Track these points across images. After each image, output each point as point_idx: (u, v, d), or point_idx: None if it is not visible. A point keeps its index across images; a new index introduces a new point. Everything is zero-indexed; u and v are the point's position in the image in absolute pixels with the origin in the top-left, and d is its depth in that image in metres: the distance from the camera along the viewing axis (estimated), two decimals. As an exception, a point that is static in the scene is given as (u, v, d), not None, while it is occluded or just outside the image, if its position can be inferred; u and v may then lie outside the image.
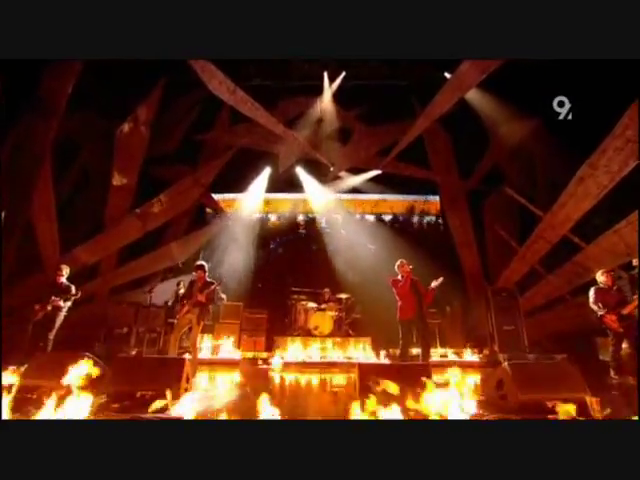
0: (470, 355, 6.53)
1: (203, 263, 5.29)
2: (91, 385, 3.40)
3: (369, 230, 10.50)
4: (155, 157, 9.25)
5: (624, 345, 4.63)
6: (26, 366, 3.59)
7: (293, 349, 7.25)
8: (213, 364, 6.39)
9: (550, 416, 2.89)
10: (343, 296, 8.34)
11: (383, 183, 10.78)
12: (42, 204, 7.07)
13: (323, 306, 8.07)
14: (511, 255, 8.42)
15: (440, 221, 11.10)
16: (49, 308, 4.96)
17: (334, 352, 7.27)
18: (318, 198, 10.85)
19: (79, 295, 5.22)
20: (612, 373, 4.63)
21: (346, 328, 7.99)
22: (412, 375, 3.13)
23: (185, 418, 2.20)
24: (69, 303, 5.15)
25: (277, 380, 5.71)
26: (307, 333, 7.71)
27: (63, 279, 5.27)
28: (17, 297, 7.25)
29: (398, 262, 5.04)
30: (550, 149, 7.90)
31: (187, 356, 4.89)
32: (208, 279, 5.16)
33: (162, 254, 9.35)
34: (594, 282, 6.84)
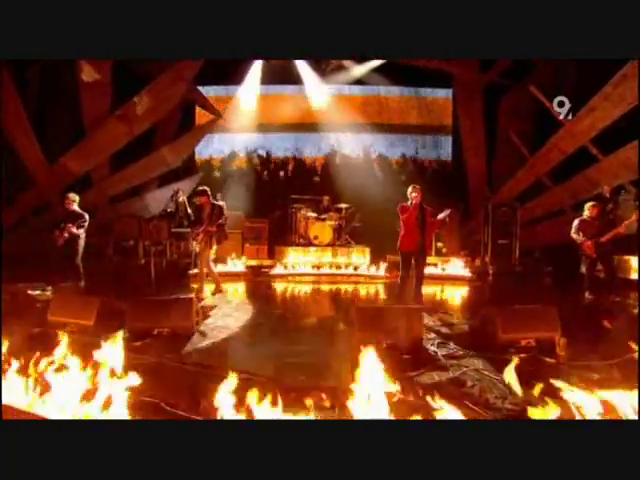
0: (461, 267, 6.85)
1: (205, 188, 5.23)
2: (112, 319, 3.72)
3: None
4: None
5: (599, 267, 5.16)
6: (51, 303, 3.82)
7: (294, 258, 7.60)
8: (221, 276, 6.81)
9: (522, 355, 3.26)
10: (343, 206, 8.32)
11: (390, 74, 9.48)
12: (11, 114, 6.41)
13: (323, 216, 8.12)
14: (520, 163, 8.05)
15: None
16: (66, 235, 5.13)
17: (333, 261, 7.63)
18: (318, 93, 9.73)
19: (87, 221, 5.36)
20: (587, 294, 5.10)
21: (346, 237, 8.21)
22: (407, 320, 3.40)
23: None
24: (83, 230, 5.31)
25: (279, 289, 6.22)
26: (307, 242, 7.97)
27: (74, 206, 5.35)
28: (15, 215, 7.29)
29: (410, 188, 4.53)
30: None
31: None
32: (213, 201, 5.20)
33: (155, 160, 8.95)
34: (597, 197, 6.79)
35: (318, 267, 7.27)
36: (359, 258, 7.72)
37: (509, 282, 6.38)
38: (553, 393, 2.22)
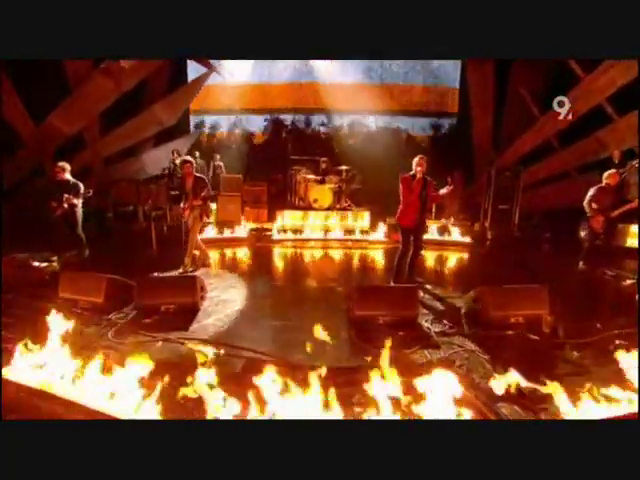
0: (460, 233, 6.85)
1: (189, 158, 5.00)
2: (121, 298, 3.83)
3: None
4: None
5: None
6: (61, 280, 3.89)
7: (293, 222, 7.58)
8: (221, 242, 6.86)
9: (509, 332, 3.42)
10: (343, 168, 8.13)
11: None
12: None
13: (323, 178, 7.96)
14: (529, 123, 7.71)
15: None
16: (65, 206, 5.05)
17: (333, 224, 7.59)
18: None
19: (91, 193, 5.29)
20: (581, 264, 5.12)
21: (346, 200, 8.12)
22: (401, 302, 3.52)
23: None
24: (81, 200, 5.23)
25: (280, 255, 6.31)
26: (307, 206, 7.90)
27: (67, 176, 5.16)
28: (9, 178, 7.16)
29: (417, 159, 4.28)
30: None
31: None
32: (196, 174, 4.91)
33: (147, 118, 8.57)
34: (605, 160, 6.59)
35: (319, 231, 7.26)
36: (359, 222, 7.69)
37: (506, 249, 6.44)
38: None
